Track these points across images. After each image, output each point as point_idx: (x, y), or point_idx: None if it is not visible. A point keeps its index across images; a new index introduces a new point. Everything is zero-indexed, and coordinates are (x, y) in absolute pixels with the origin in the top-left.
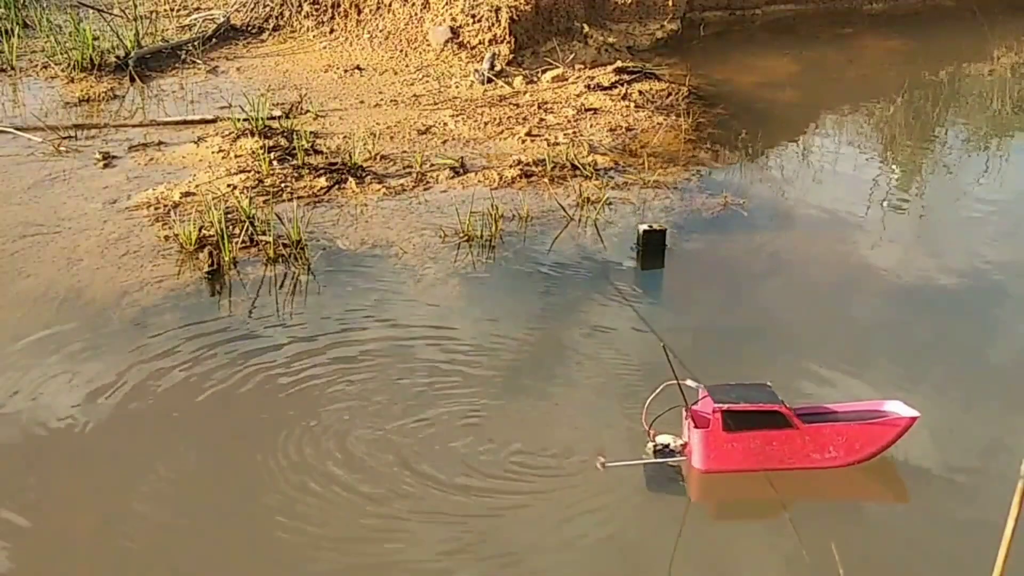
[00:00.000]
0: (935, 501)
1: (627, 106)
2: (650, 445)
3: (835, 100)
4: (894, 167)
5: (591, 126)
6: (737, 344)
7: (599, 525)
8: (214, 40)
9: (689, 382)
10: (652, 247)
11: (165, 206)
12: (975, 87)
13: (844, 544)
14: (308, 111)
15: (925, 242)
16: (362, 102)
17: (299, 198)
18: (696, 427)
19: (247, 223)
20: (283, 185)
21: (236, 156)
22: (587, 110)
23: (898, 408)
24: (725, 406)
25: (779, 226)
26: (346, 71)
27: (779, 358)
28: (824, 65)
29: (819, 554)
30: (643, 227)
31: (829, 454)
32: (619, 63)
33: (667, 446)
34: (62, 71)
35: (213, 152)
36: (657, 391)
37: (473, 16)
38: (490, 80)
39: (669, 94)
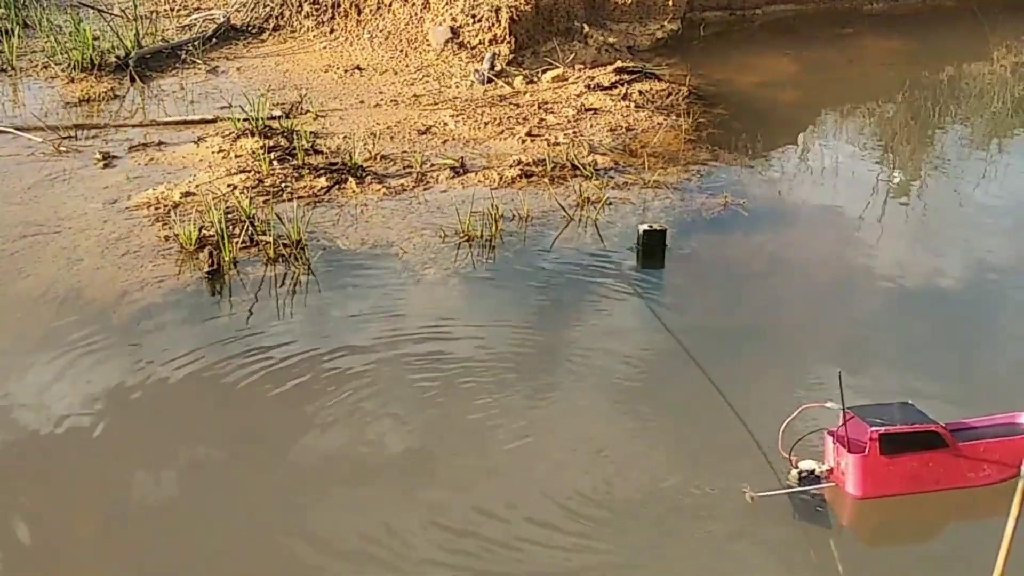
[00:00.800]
0: None
1: (627, 106)
2: (794, 472)
3: (835, 100)
4: (894, 167)
5: (591, 126)
6: (738, 343)
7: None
8: (214, 40)
9: (828, 404)
10: (652, 247)
11: (165, 206)
12: (975, 87)
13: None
14: (308, 111)
15: (925, 242)
16: (362, 102)
17: (299, 198)
18: (849, 451)
19: (247, 223)
20: (283, 185)
21: (236, 156)
22: (587, 110)
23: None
24: (882, 430)
25: (779, 226)
26: (346, 71)
27: (780, 358)
28: (824, 65)
29: None
30: (643, 227)
31: (983, 472)
32: (619, 63)
33: (812, 472)
34: (62, 71)
35: (213, 152)
36: (794, 415)
37: (473, 16)
38: (490, 80)
39: (669, 94)
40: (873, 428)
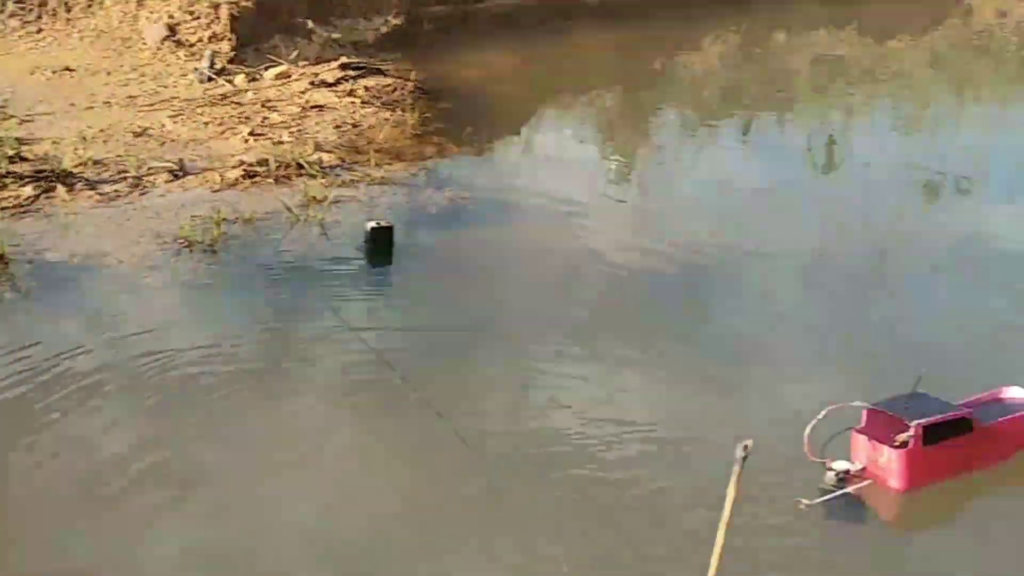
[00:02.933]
0: None
1: (353, 102)
2: (831, 474)
3: (556, 92)
4: (613, 155)
5: (316, 124)
6: (464, 339)
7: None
8: None
9: (856, 403)
10: (380, 244)
11: None
12: (688, 76)
13: None
14: (13, 116)
15: (644, 227)
16: (73, 105)
17: (2, 209)
18: (892, 446)
19: None
20: None
21: None
22: (312, 107)
23: None
24: (924, 422)
25: (505, 218)
26: (55, 72)
27: (508, 350)
28: (546, 58)
29: None
30: (370, 224)
31: (1002, 449)
32: (344, 59)
33: (847, 471)
34: None
35: None
36: (821, 415)
37: (191, 13)
38: (211, 79)
39: (395, 89)
40: (916, 422)
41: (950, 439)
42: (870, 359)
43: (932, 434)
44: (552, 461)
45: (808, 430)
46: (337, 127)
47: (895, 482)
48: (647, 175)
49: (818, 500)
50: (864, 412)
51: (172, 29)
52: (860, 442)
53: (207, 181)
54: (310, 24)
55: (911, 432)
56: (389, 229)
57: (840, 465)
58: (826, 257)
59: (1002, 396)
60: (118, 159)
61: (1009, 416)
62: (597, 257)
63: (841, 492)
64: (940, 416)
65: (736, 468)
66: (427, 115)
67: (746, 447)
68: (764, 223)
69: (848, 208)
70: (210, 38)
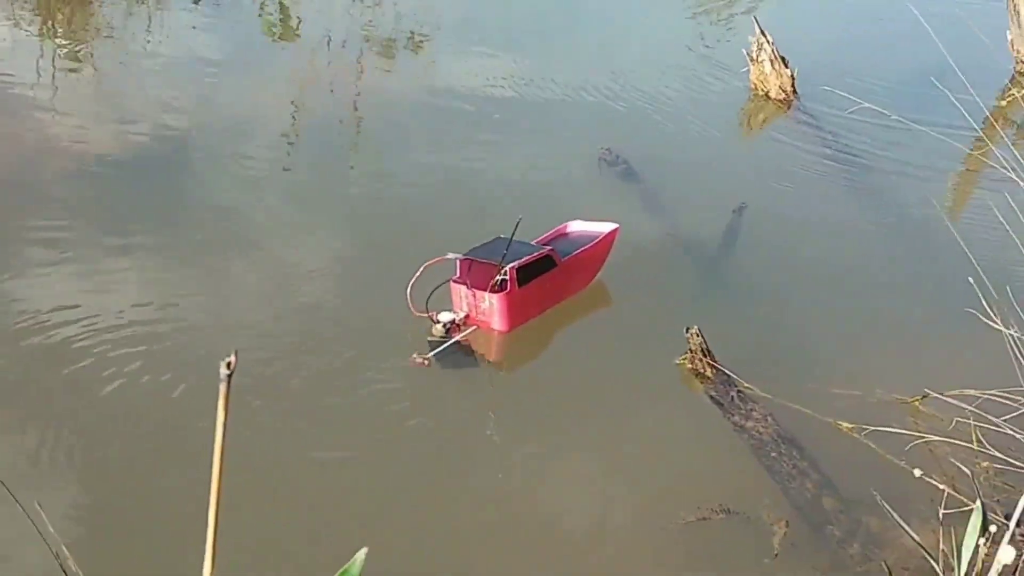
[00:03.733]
0: None
1: None
2: (438, 327)
3: None
4: (59, 31)
5: None
6: None
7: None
8: None
9: (449, 255)
10: None
11: None
12: None
13: None
14: None
15: (107, 105)
16: None
17: None
18: (491, 291)
19: None
20: None
21: None
22: None
23: (595, 226)
24: (516, 264)
25: None
26: None
27: None
28: None
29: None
30: None
31: (579, 280)
32: None
33: (452, 322)
34: None
35: None
36: (418, 273)
37: None
38: None
39: None
40: (509, 265)
41: (538, 277)
42: (357, 220)
43: (523, 274)
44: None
45: (409, 288)
46: None
47: (498, 324)
48: (100, 51)
49: (431, 353)
50: (458, 262)
51: None
52: (460, 292)
53: None
54: None
55: (505, 275)
56: None
57: (445, 316)
58: (301, 115)
59: (568, 231)
60: None
61: (580, 249)
62: (61, 145)
63: (451, 342)
64: (529, 257)
65: (222, 388)
66: None
67: (229, 364)
68: (228, 93)
69: (316, 70)
70: None
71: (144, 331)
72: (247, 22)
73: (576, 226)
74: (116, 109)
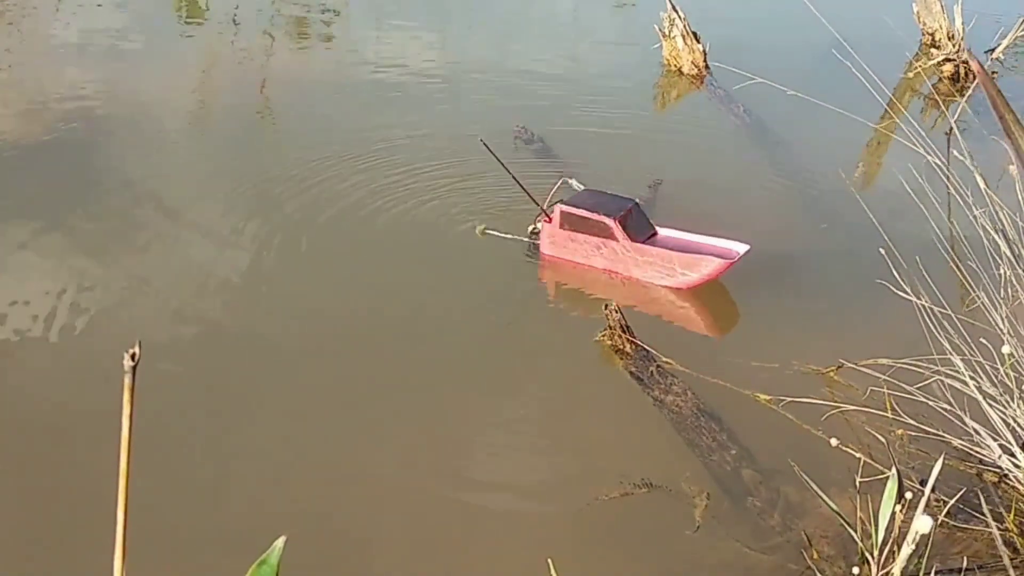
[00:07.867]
0: None
1: None
2: (531, 227)
3: None
4: None
5: None
6: None
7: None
8: None
9: (572, 182)
10: None
11: None
12: None
13: None
14: None
15: (11, 88)
16: None
17: None
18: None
19: None
20: None
21: None
22: None
23: (732, 246)
24: (567, 208)
25: None
26: None
27: None
28: None
29: None
30: None
31: (654, 272)
32: None
33: (535, 230)
34: None
35: None
36: (558, 185)
37: None
38: None
39: None
40: (563, 205)
41: (588, 234)
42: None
43: (571, 221)
44: None
45: (550, 195)
46: None
47: (543, 247)
48: (2, 31)
49: (492, 232)
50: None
51: None
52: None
53: None
54: None
55: (556, 213)
56: None
57: (539, 226)
58: (209, 100)
59: (717, 245)
60: None
61: (669, 251)
62: None
63: (509, 237)
64: (584, 211)
65: (127, 380)
66: None
67: (134, 356)
68: (137, 74)
69: (229, 51)
70: None
71: (55, 320)
72: (157, 3)
73: (724, 244)
74: (22, 92)
